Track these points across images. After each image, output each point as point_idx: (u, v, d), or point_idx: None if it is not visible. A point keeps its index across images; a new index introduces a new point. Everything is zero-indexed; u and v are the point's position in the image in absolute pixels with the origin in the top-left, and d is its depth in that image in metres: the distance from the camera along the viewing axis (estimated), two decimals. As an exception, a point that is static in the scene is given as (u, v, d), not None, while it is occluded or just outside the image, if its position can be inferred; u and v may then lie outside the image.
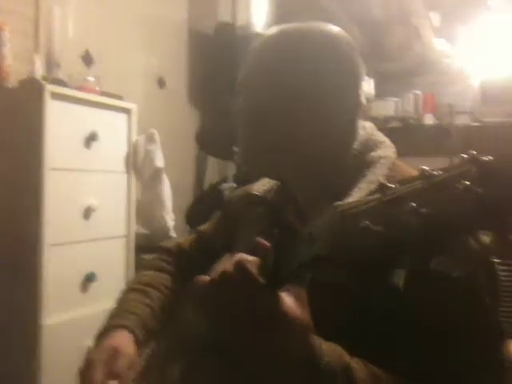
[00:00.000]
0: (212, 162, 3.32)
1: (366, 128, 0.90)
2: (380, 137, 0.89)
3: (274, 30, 0.85)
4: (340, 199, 0.72)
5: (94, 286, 2.04)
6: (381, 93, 3.24)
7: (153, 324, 0.95)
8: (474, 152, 0.37)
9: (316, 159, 0.83)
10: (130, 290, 1.02)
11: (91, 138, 2.04)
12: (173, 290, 1.02)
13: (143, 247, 2.25)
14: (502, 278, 0.79)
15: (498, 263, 0.77)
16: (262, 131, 0.84)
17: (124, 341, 0.89)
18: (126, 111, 2.27)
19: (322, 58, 0.81)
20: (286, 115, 0.81)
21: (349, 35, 0.86)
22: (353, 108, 0.84)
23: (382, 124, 2.95)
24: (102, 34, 2.55)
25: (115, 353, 0.86)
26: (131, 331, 0.91)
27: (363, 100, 0.85)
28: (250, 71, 0.86)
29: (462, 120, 3.04)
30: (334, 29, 0.85)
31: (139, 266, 1.13)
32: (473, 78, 3.02)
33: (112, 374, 0.84)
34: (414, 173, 0.80)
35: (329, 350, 0.62)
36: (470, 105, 3.06)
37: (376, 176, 0.80)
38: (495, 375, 0.72)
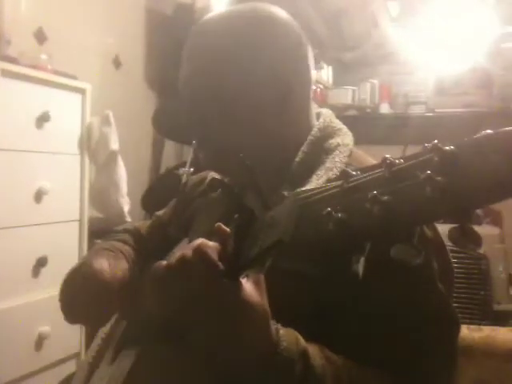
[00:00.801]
0: (169, 146, 3.28)
1: (324, 115, 0.90)
2: (338, 124, 0.90)
3: (206, 18, 0.87)
4: (299, 186, 0.72)
5: (45, 270, 1.99)
6: (339, 81, 3.28)
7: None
8: (436, 141, 0.37)
9: (272, 141, 0.84)
10: (100, 249, 0.98)
11: (43, 119, 1.97)
12: (136, 264, 0.99)
13: (97, 232, 2.20)
14: (455, 265, 0.81)
15: (453, 251, 0.79)
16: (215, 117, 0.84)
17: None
18: (80, 91, 2.20)
19: (253, 38, 0.82)
20: (234, 99, 0.82)
21: (293, 18, 0.87)
22: (301, 85, 0.85)
23: (340, 112, 2.98)
24: (56, 10, 2.45)
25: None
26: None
27: (312, 80, 0.88)
28: (184, 61, 0.86)
29: (416, 110, 3.11)
30: (269, 8, 0.86)
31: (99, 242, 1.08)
32: (428, 69, 3.09)
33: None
34: (372, 160, 0.82)
35: (286, 336, 0.63)
36: (425, 95, 3.13)
37: (335, 163, 0.81)
38: (451, 362, 0.75)
